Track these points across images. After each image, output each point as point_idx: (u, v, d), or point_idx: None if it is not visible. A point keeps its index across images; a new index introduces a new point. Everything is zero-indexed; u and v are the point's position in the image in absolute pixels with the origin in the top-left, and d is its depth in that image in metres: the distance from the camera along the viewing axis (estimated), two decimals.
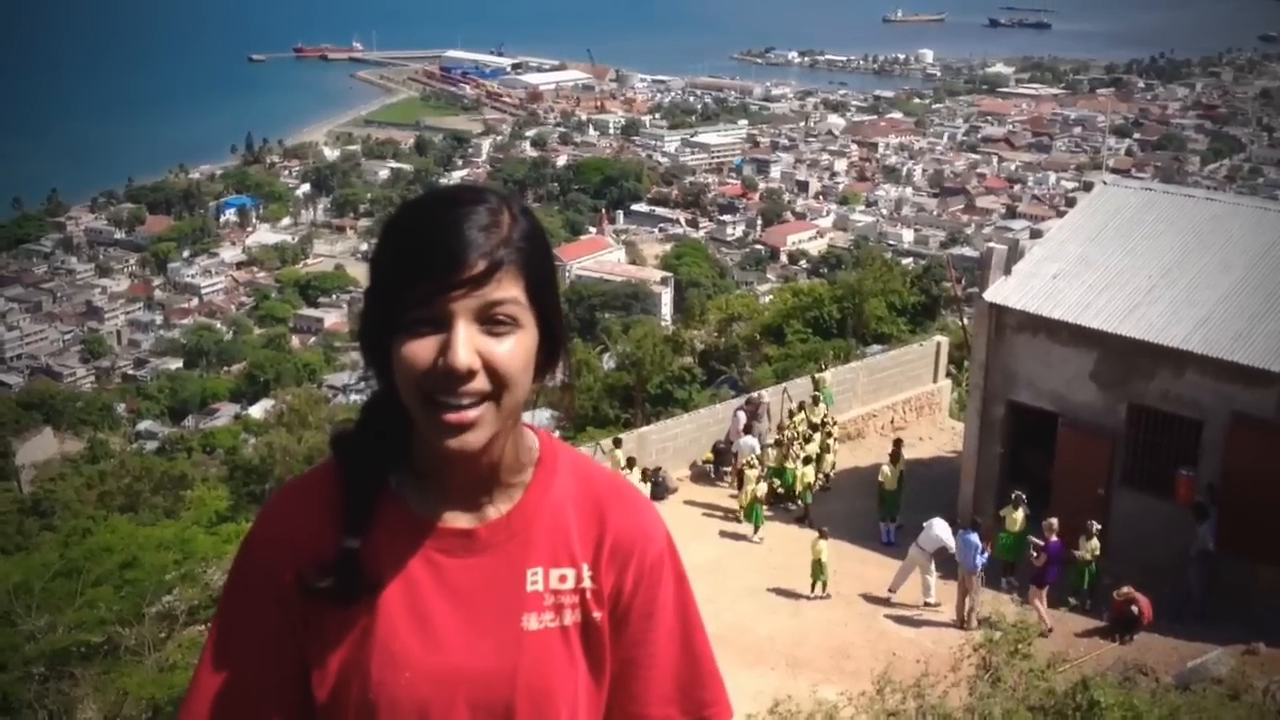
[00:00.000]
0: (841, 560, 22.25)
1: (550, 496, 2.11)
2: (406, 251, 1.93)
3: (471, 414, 1.91)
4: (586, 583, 2.10)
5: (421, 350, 1.90)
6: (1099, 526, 20.49)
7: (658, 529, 2.19)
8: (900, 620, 20.59)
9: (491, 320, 1.91)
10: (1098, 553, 20.48)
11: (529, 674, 2.03)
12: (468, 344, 1.89)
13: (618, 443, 24.91)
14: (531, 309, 1.96)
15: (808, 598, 20.93)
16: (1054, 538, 20.03)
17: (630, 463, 23.17)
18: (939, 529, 20.80)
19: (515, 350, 1.93)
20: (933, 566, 20.83)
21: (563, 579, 2.09)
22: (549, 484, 2.12)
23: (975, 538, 19.91)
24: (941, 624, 20.29)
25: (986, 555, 20.07)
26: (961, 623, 19.95)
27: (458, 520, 2.06)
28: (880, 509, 23.61)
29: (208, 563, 18.56)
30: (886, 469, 23.43)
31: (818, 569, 20.96)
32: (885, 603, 21.08)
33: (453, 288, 1.89)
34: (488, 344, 1.91)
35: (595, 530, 2.12)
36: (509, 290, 1.92)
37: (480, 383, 1.90)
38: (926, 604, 20.84)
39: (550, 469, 2.13)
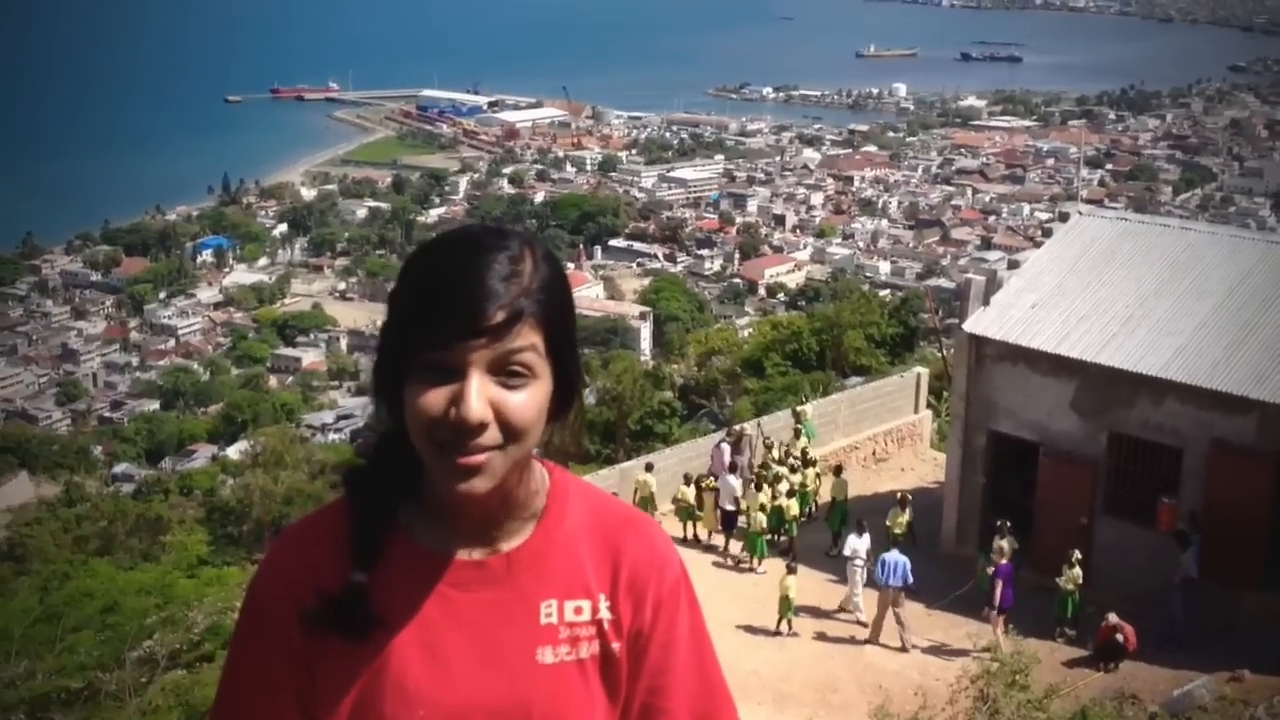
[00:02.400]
0: (825, 594, 22.24)
1: (563, 529, 2.10)
2: (425, 294, 1.90)
3: (480, 458, 1.89)
4: (604, 614, 2.08)
5: (434, 399, 1.87)
6: (1079, 555, 20.52)
7: (672, 557, 2.18)
8: (887, 653, 20.54)
9: (507, 371, 1.89)
10: (1080, 581, 20.51)
11: (544, 708, 2.01)
12: (480, 396, 1.87)
13: (649, 467, 25.17)
14: (548, 359, 1.94)
15: (777, 633, 20.84)
16: (1003, 561, 20.11)
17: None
18: (854, 540, 21.26)
19: (529, 402, 1.91)
20: (859, 579, 21.23)
21: (578, 610, 2.07)
22: (561, 516, 2.10)
23: (898, 556, 20.44)
24: (929, 655, 20.26)
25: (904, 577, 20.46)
26: (874, 639, 20.60)
27: (469, 554, 2.04)
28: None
29: (188, 607, 18.40)
30: (896, 514, 23.05)
31: (785, 605, 20.84)
32: (871, 637, 21.04)
33: (470, 337, 1.87)
34: (501, 395, 1.89)
35: (610, 561, 2.11)
36: (527, 339, 1.90)
37: (492, 435, 1.88)
38: (850, 613, 21.27)
39: (562, 501, 2.11)
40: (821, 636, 21.09)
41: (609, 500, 2.21)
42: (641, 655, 2.12)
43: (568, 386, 2.00)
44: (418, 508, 2.05)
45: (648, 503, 24.46)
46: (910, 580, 20.41)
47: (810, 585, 22.24)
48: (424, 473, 2.00)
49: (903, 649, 20.40)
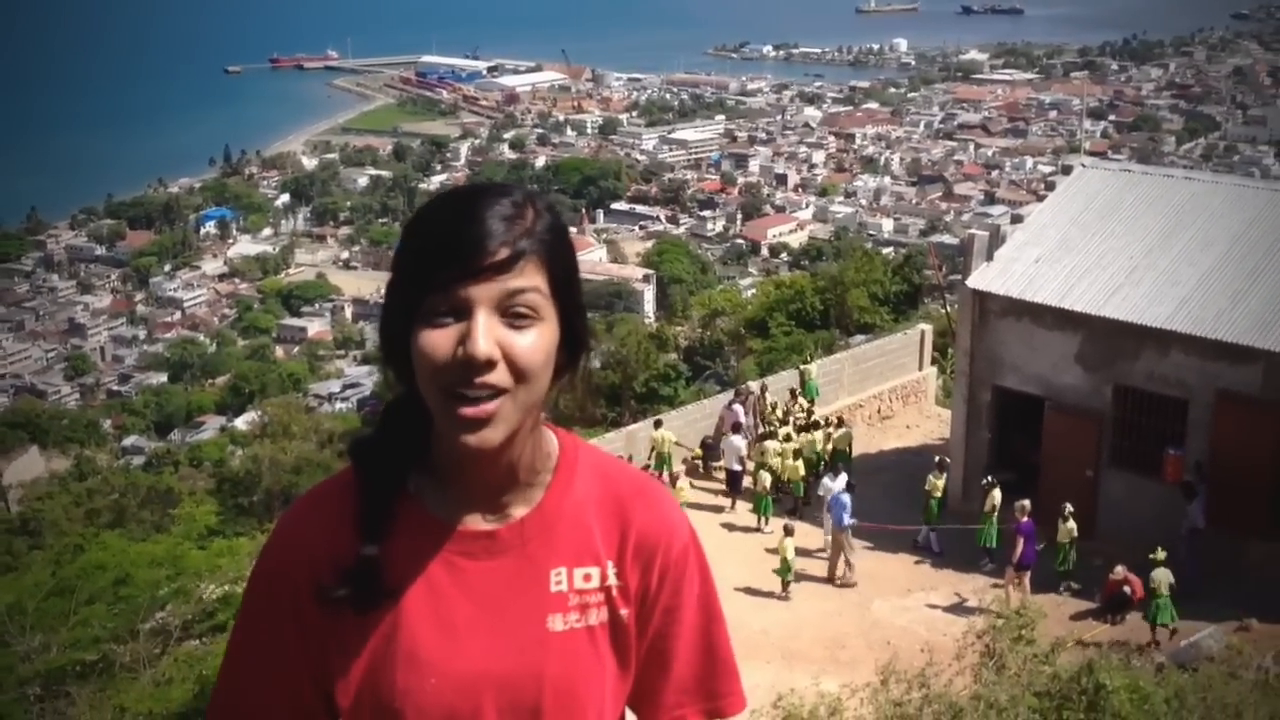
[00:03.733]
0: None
1: (571, 496, 2.10)
2: (428, 241, 1.92)
3: (490, 407, 1.88)
4: (612, 580, 2.09)
5: (441, 340, 1.88)
6: (1072, 509, 20.55)
7: (682, 524, 2.18)
8: (893, 609, 20.66)
9: (513, 312, 1.90)
10: (1075, 535, 20.56)
11: (555, 675, 2.02)
12: (488, 334, 1.87)
13: (658, 424, 25.48)
14: (553, 303, 1.95)
15: (779, 596, 20.94)
16: (1024, 518, 20.15)
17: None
18: (828, 482, 21.86)
19: (536, 343, 1.92)
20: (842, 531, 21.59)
21: (587, 578, 2.08)
22: (570, 483, 2.10)
23: (846, 498, 21.13)
24: (935, 610, 20.37)
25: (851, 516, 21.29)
26: (831, 579, 21.21)
27: (478, 523, 2.05)
28: (926, 517, 23.08)
29: (200, 578, 18.51)
30: (934, 479, 23.00)
31: (784, 567, 20.95)
32: (878, 593, 21.16)
33: (474, 275, 1.88)
34: (508, 336, 1.89)
35: (618, 528, 2.11)
36: (531, 280, 1.91)
37: (500, 375, 1.88)
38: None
39: (571, 468, 2.12)
40: (828, 594, 21.21)
41: (619, 466, 2.21)
42: (647, 620, 2.13)
43: (574, 338, 2.01)
44: (427, 476, 2.05)
45: (665, 460, 24.68)
46: (845, 521, 21.04)
47: (817, 544, 22.36)
48: (433, 440, 2.01)
49: (846, 584, 21.23)
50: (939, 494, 22.82)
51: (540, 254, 1.94)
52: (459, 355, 1.87)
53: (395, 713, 1.99)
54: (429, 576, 2.02)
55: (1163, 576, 18.90)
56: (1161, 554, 19.15)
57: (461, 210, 1.93)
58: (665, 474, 24.81)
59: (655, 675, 2.16)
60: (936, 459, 23.46)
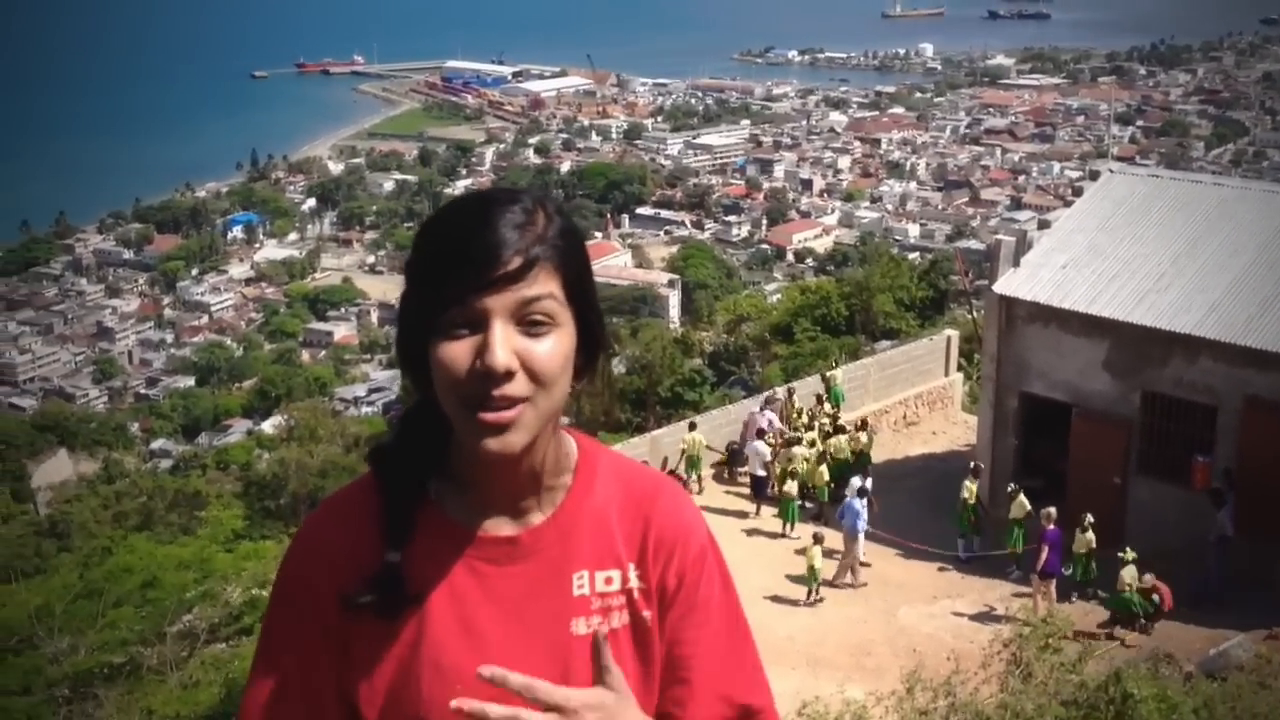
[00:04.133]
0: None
1: (592, 499, 2.09)
2: (440, 252, 1.91)
3: (510, 414, 1.88)
4: (634, 582, 2.08)
5: (459, 353, 1.88)
6: (1091, 519, 20.39)
7: (698, 524, 2.17)
8: (919, 616, 20.58)
9: (529, 320, 1.89)
10: (1093, 546, 20.38)
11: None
12: (505, 344, 1.87)
13: (693, 426, 25.75)
14: (569, 307, 1.94)
15: (805, 604, 20.89)
16: (1050, 526, 20.00)
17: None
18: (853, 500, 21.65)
19: (554, 350, 1.91)
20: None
21: (609, 581, 2.07)
22: (590, 487, 2.10)
23: (859, 504, 21.33)
24: (961, 618, 20.28)
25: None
26: (834, 582, 21.39)
27: (500, 528, 2.04)
28: (960, 525, 22.79)
29: (226, 581, 18.59)
30: (970, 485, 22.74)
31: (811, 574, 20.92)
32: (905, 600, 21.08)
33: (488, 285, 1.87)
34: (526, 344, 1.89)
35: (639, 530, 2.11)
36: (545, 286, 1.90)
37: (519, 385, 1.88)
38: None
39: (590, 472, 2.11)
40: (854, 600, 21.15)
41: (637, 469, 2.21)
42: (667, 621, 2.12)
43: (591, 340, 2.00)
44: (447, 482, 2.04)
45: (695, 463, 24.76)
46: (858, 528, 21.24)
47: (840, 548, 22.32)
48: (452, 447, 2.01)
49: (854, 586, 21.47)
50: (973, 500, 22.65)
51: (553, 259, 1.93)
52: (477, 367, 1.86)
53: None
54: (452, 583, 2.01)
55: (1129, 575, 19.20)
56: (1131, 554, 19.41)
57: (472, 219, 1.92)
58: (695, 477, 24.84)
59: (681, 680, 2.14)
60: (971, 465, 23.27)
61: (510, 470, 1.98)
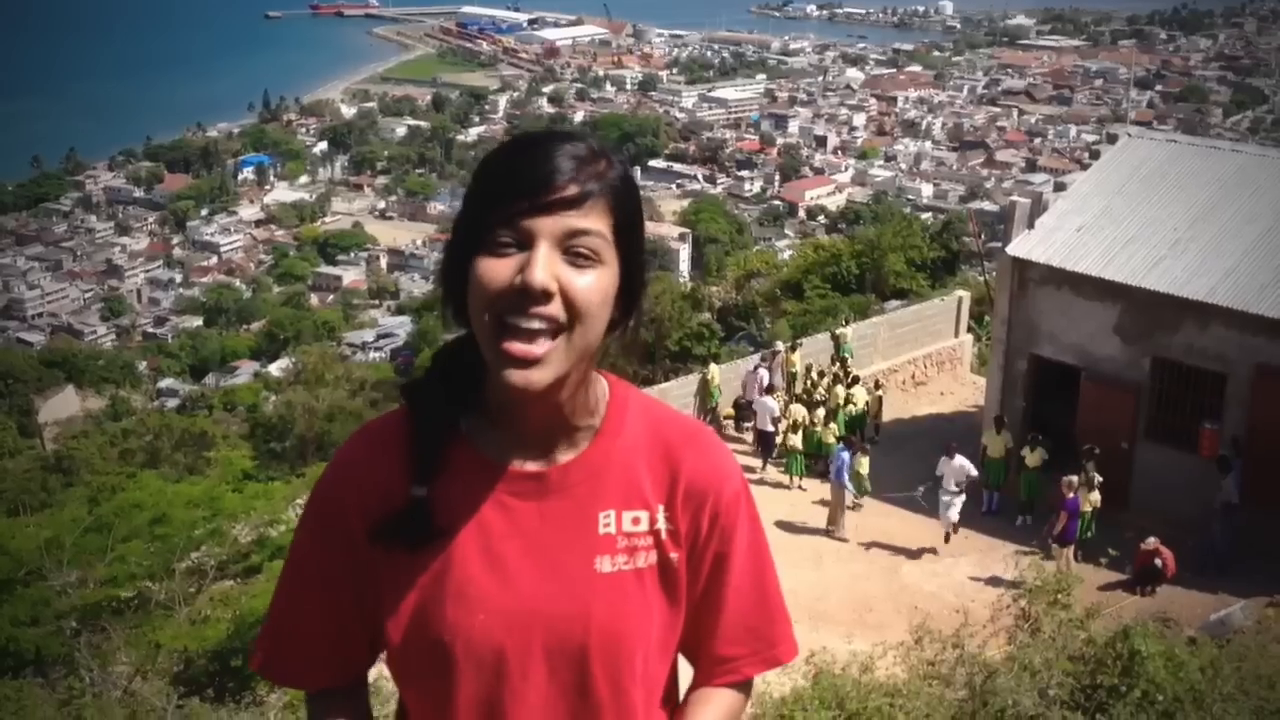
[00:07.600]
0: (863, 514, 22.36)
1: (621, 440, 2.12)
2: (499, 174, 1.94)
3: (539, 350, 1.90)
4: (662, 524, 2.11)
5: (500, 267, 1.90)
6: (1100, 479, 20.44)
7: (734, 471, 2.21)
8: (923, 574, 20.67)
9: (574, 251, 1.92)
10: (1098, 504, 20.45)
11: (602, 616, 2.04)
12: (547, 265, 1.89)
13: (794, 347, 26.85)
14: (616, 249, 1.96)
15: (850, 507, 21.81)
16: (1071, 494, 20.00)
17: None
18: (960, 460, 21.38)
19: (595, 284, 1.93)
20: (956, 501, 21.47)
21: (635, 521, 2.09)
22: (619, 428, 2.12)
23: (846, 455, 21.66)
24: (964, 577, 20.35)
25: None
26: (829, 531, 21.69)
27: (528, 464, 2.07)
28: (985, 477, 22.56)
29: (235, 520, 18.70)
30: (993, 437, 22.78)
31: (858, 481, 22.04)
32: (906, 556, 21.18)
33: (540, 208, 1.90)
34: (568, 273, 1.91)
35: (668, 474, 2.12)
36: (596, 222, 1.93)
37: (555, 309, 1.90)
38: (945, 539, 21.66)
39: (620, 413, 2.13)
40: (856, 556, 21.26)
41: (670, 414, 2.22)
42: (697, 565, 2.15)
43: (631, 293, 2.02)
44: (479, 417, 2.07)
45: (713, 395, 25.70)
46: (844, 478, 21.54)
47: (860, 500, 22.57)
48: (487, 382, 2.02)
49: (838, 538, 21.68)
50: (998, 455, 22.60)
51: (608, 198, 1.95)
52: (516, 283, 1.88)
53: (444, 648, 2.02)
54: (480, 516, 2.05)
55: (1034, 459, 21.63)
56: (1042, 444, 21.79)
57: (535, 149, 1.96)
58: (714, 406, 25.56)
59: (708, 623, 2.19)
60: (994, 417, 23.23)
61: (538, 407, 2.00)
